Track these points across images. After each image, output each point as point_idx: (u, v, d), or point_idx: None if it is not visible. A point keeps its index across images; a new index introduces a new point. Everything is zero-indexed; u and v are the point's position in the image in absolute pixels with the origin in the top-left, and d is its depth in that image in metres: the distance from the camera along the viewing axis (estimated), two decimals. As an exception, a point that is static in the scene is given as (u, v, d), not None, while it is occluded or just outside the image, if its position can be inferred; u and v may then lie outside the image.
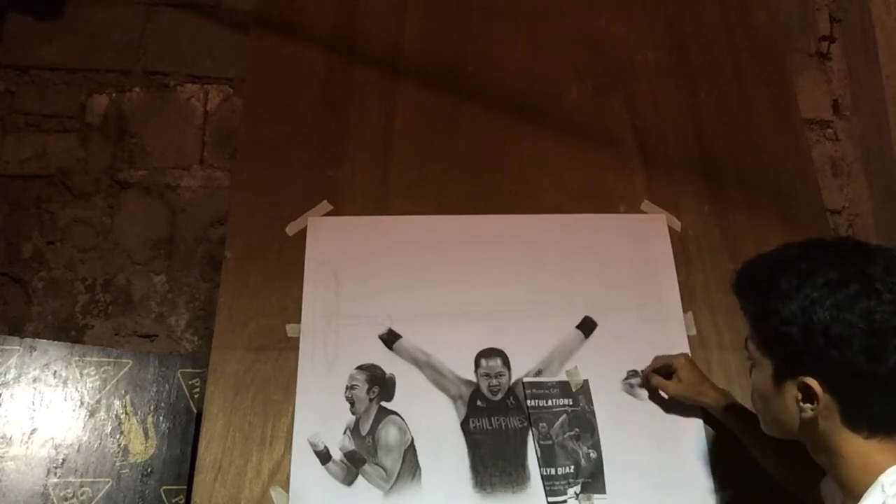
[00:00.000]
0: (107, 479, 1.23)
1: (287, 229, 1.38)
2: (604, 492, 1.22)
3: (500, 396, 1.28)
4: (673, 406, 1.28)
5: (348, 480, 1.20)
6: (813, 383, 0.83)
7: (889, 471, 0.81)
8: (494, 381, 1.28)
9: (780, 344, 0.86)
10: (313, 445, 1.21)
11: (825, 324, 0.81)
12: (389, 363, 1.28)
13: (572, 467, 1.23)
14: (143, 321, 1.62)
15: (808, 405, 0.85)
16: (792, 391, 0.86)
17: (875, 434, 0.83)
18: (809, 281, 0.83)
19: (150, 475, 1.25)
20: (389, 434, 1.23)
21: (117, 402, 1.28)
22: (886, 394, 0.82)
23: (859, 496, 0.82)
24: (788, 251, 0.89)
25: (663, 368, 1.26)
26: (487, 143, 1.49)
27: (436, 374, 1.28)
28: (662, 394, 1.27)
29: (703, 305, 1.37)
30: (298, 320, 1.30)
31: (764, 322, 0.88)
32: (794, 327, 0.83)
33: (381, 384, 1.27)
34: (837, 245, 0.88)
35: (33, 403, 1.25)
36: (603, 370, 1.31)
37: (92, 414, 1.26)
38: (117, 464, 1.24)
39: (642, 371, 1.29)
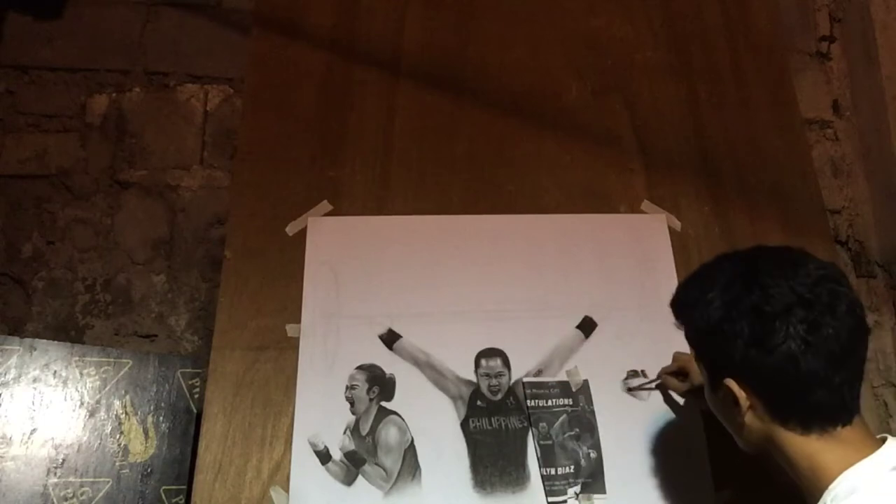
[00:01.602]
0: (107, 479, 1.23)
1: (287, 229, 1.38)
2: (604, 492, 1.22)
3: (500, 396, 1.28)
4: (673, 406, 1.28)
5: (348, 480, 1.20)
6: (731, 384, 0.85)
7: (832, 486, 0.80)
8: (494, 381, 1.28)
9: (699, 352, 0.90)
10: (313, 445, 1.21)
11: (718, 323, 0.84)
12: (389, 363, 1.28)
13: (572, 467, 1.23)
14: (143, 321, 1.62)
15: (737, 408, 0.86)
16: (725, 399, 0.87)
17: (810, 429, 0.83)
18: (706, 287, 0.88)
19: (150, 475, 1.25)
20: (389, 434, 1.23)
21: (117, 402, 1.28)
22: (796, 382, 0.81)
23: None
24: (699, 267, 0.94)
25: (678, 370, 1.24)
26: (487, 143, 1.49)
27: (436, 374, 1.28)
28: (674, 395, 1.27)
29: (703, 305, 1.37)
30: (298, 320, 1.30)
31: (686, 336, 0.93)
32: (702, 333, 0.88)
33: (381, 384, 1.27)
34: (745, 251, 0.91)
35: (33, 403, 1.25)
36: (603, 370, 1.31)
37: (92, 414, 1.26)
38: (117, 464, 1.24)
39: (663, 368, 1.28)
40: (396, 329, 1.31)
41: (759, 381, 0.84)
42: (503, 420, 1.26)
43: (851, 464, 0.79)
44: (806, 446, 0.83)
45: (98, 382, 1.28)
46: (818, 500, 0.81)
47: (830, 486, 0.80)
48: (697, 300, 0.88)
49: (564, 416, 1.26)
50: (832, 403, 0.82)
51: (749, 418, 0.86)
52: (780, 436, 0.85)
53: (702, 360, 0.93)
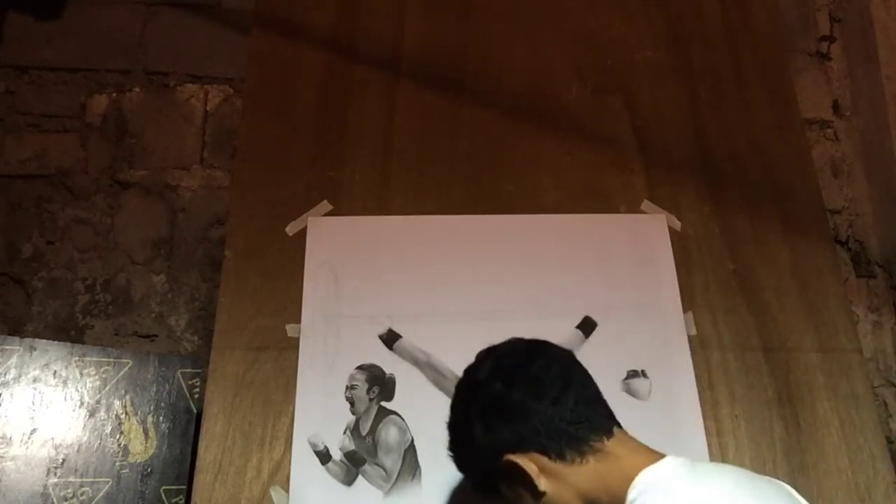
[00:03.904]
0: (107, 479, 1.23)
1: (287, 229, 1.38)
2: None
3: (500, 396, 1.27)
4: (673, 406, 1.28)
5: (348, 480, 1.20)
6: (507, 459, 0.88)
7: (629, 494, 0.80)
8: (494, 381, 1.28)
9: (479, 471, 0.95)
10: (313, 445, 1.21)
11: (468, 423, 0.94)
12: (389, 363, 1.28)
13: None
14: (143, 321, 1.62)
15: (528, 479, 0.86)
16: (519, 482, 0.88)
17: (583, 453, 0.86)
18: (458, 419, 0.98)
19: (150, 475, 1.25)
20: (389, 434, 1.23)
21: (117, 402, 1.28)
22: (545, 411, 0.88)
23: None
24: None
25: None
26: (487, 143, 1.49)
27: (436, 374, 1.28)
28: None
29: (703, 305, 1.37)
30: (298, 320, 1.30)
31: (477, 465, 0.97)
32: (469, 450, 0.95)
33: (381, 384, 1.27)
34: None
35: (33, 403, 1.25)
36: (603, 370, 1.30)
37: (92, 414, 1.26)
38: (117, 464, 1.24)
39: None
40: (396, 329, 1.31)
41: (522, 433, 0.88)
42: (503, 420, 1.26)
43: (638, 470, 0.82)
44: (594, 474, 0.86)
45: (98, 382, 1.28)
46: None
47: (627, 494, 0.81)
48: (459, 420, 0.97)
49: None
50: (582, 418, 0.89)
51: (548, 486, 0.87)
52: (573, 479, 0.86)
53: (484, 474, 0.94)
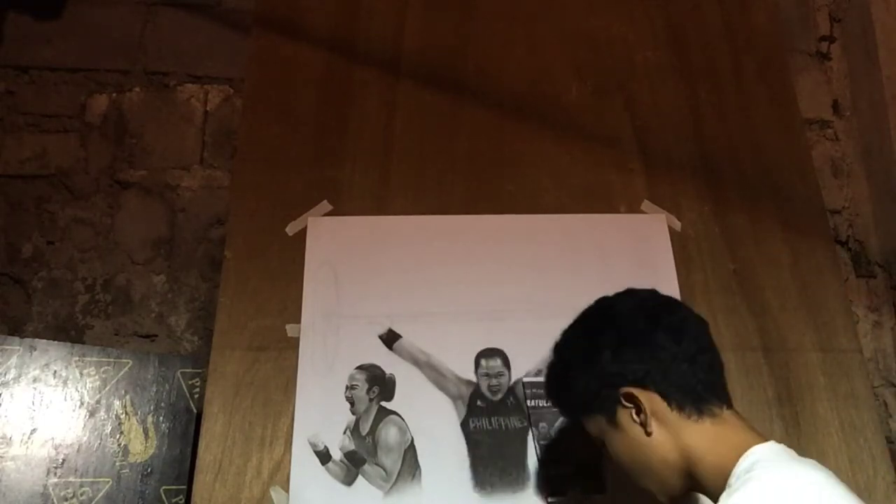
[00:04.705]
0: (107, 479, 1.23)
1: (287, 229, 1.38)
2: (604, 492, 1.22)
3: (500, 396, 1.28)
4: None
5: (348, 480, 1.20)
6: (626, 390, 0.91)
7: (734, 471, 0.83)
8: (494, 381, 1.28)
9: (588, 394, 0.95)
10: (313, 445, 1.21)
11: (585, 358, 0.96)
12: (389, 363, 1.28)
13: (572, 467, 1.23)
14: (143, 321, 1.62)
15: (641, 415, 0.90)
16: (626, 417, 0.91)
17: (701, 412, 0.89)
18: (565, 350, 1.02)
19: (150, 475, 1.25)
20: (389, 434, 1.23)
21: (117, 402, 1.28)
22: (680, 359, 0.91)
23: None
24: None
25: None
26: (487, 143, 1.49)
27: (436, 374, 1.28)
28: None
29: (703, 305, 1.37)
30: (298, 320, 1.30)
31: (566, 397, 1.00)
32: (585, 373, 0.95)
33: (381, 384, 1.27)
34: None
35: (33, 403, 1.25)
36: (603, 370, 1.30)
37: (92, 414, 1.26)
38: (117, 464, 1.24)
39: None
40: (396, 329, 1.31)
41: (655, 372, 0.91)
42: (503, 420, 1.26)
43: (751, 444, 0.85)
44: (706, 434, 0.88)
45: (98, 382, 1.28)
46: (724, 483, 0.83)
47: (734, 471, 0.83)
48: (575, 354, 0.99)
49: (564, 416, 1.26)
50: (711, 381, 0.91)
51: (655, 429, 0.90)
52: (680, 431, 0.89)
53: (593, 406, 0.95)
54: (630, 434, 0.92)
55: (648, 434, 0.90)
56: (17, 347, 1.27)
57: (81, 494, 1.21)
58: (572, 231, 1.42)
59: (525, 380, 1.28)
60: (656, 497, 0.95)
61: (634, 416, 0.91)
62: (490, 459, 1.23)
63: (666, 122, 1.54)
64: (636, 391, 0.90)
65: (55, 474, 1.21)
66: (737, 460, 0.83)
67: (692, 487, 0.91)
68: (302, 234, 1.37)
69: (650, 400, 0.90)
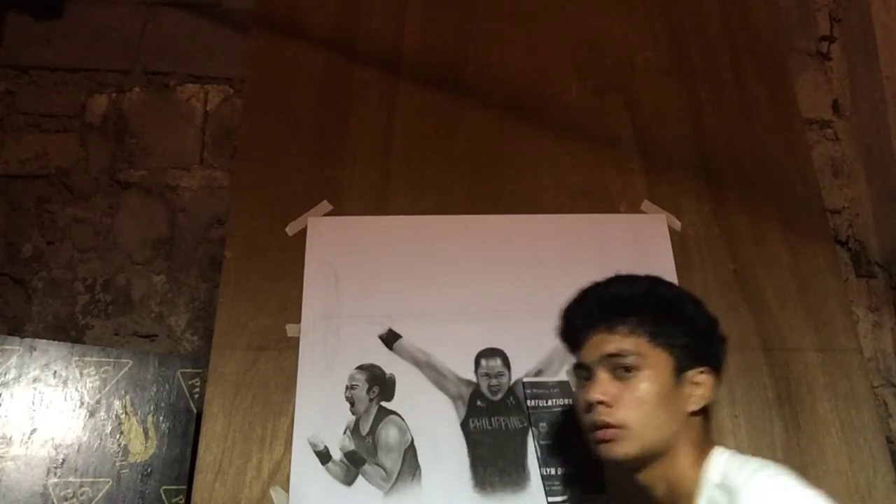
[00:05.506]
0: (107, 479, 1.23)
1: (287, 229, 1.38)
2: (603, 491, 1.22)
3: (500, 396, 1.28)
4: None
5: (348, 480, 1.20)
6: (719, 372, 0.98)
7: (709, 466, 0.91)
8: (494, 381, 1.28)
9: (687, 339, 0.97)
10: (313, 445, 1.21)
11: (713, 321, 1.00)
12: (389, 363, 1.28)
13: (572, 467, 1.23)
14: (143, 321, 1.62)
15: (702, 396, 0.95)
16: (692, 383, 0.95)
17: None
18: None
19: (150, 475, 1.25)
20: (389, 434, 1.23)
21: (117, 402, 1.28)
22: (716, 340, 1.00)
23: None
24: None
25: None
26: (487, 143, 1.49)
27: (436, 374, 1.28)
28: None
29: (703, 305, 1.36)
30: (298, 320, 1.30)
31: (669, 324, 1.00)
32: (697, 325, 0.99)
33: (381, 384, 1.27)
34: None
35: (33, 403, 1.25)
36: (603, 370, 1.30)
37: (92, 414, 1.26)
38: (117, 464, 1.24)
39: None
40: (396, 329, 1.30)
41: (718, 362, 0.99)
42: (503, 420, 1.26)
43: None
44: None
45: (98, 382, 1.28)
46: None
47: (709, 466, 0.91)
48: (694, 304, 1.02)
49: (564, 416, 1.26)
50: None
51: (702, 403, 0.95)
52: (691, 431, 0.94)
53: (676, 347, 0.97)
54: (679, 394, 0.94)
55: (690, 413, 0.93)
56: (17, 347, 1.27)
57: (81, 494, 1.21)
58: (572, 231, 1.42)
59: (525, 380, 1.28)
60: (626, 461, 0.94)
61: (696, 392, 0.94)
62: (490, 459, 1.23)
63: (666, 122, 1.54)
64: (717, 381, 0.96)
65: (55, 474, 1.21)
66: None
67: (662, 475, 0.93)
68: (302, 234, 1.37)
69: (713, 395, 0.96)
